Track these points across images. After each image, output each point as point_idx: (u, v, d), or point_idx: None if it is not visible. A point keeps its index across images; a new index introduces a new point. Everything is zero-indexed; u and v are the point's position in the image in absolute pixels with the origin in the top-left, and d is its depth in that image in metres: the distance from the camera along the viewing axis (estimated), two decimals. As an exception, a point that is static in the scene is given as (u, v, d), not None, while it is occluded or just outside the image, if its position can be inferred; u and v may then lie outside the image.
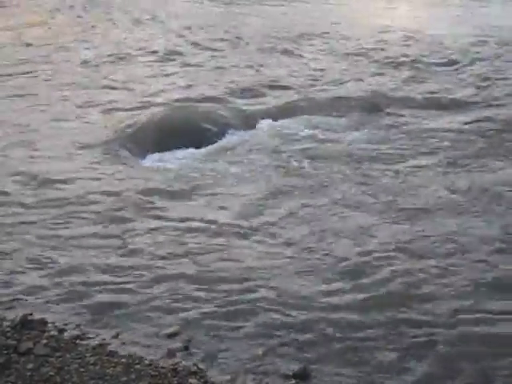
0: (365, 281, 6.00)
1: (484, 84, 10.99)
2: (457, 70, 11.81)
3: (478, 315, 5.54)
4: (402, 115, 9.82)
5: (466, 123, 9.50)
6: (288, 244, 6.58)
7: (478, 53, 12.64)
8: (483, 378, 4.93)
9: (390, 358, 5.09)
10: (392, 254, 6.39)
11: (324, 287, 5.91)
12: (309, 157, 8.52)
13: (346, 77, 11.49)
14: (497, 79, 11.21)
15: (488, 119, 9.61)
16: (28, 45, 13.63)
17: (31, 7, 17.14)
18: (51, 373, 4.82)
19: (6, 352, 4.99)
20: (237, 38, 14.00)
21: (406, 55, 12.62)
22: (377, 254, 6.37)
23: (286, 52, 13.02)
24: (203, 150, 8.83)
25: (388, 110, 9.99)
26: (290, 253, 6.43)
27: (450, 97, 10.51)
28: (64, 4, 17.44)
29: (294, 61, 12.48)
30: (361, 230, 6.80)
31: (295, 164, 8.35)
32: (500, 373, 4.96)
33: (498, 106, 10.13)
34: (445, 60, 12.30)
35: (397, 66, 12.09)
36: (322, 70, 11.91)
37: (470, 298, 5.75)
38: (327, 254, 6.39)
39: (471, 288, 5.86)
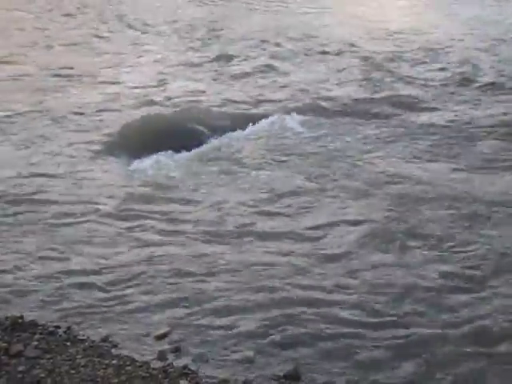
0: (353, 281, 6.04)
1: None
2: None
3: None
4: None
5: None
6: (277, 244, 6.62)
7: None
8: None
9: (381, 357, 5.13)
10: (379, 249, 6.50)
11: (315, 287, 5.95)
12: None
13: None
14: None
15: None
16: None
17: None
18: (42, 375, 4.82)
19: (-4, 354, 4.99)
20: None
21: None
22: (364, 250, 6.47)
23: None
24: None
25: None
26: (280, 255, 6.46)
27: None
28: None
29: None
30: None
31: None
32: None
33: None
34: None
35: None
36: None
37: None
38: (320, 255, 6.44)
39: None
